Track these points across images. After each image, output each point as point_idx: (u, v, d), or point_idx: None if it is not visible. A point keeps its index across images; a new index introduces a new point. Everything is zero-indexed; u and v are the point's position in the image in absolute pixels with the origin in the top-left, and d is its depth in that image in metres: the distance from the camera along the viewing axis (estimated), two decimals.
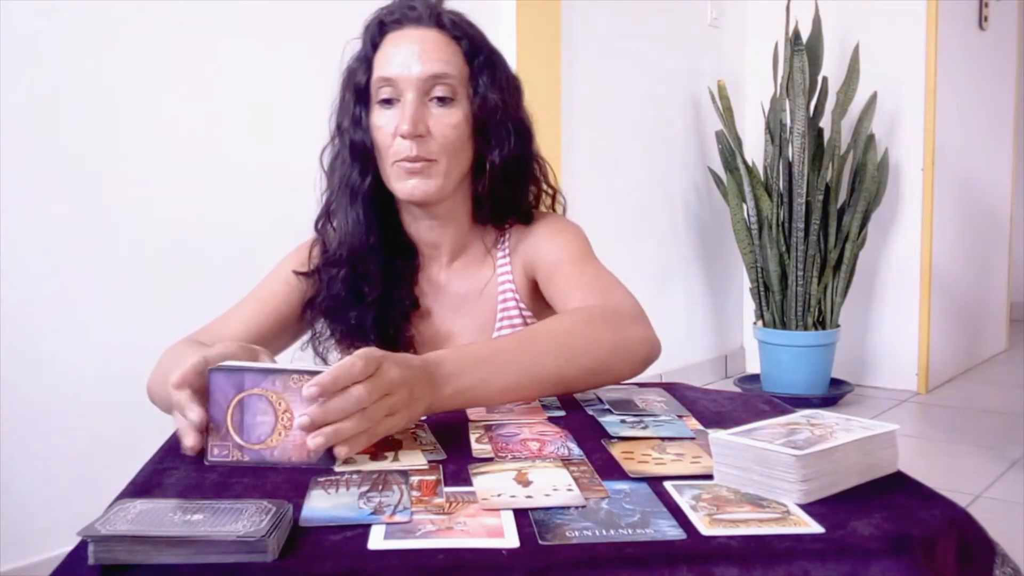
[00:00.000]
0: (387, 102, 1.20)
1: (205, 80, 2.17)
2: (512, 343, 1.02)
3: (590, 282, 1.18)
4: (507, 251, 1.30)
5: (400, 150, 1.18)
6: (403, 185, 1.20)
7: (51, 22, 1.91)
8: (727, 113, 3.55)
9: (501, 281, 1.29)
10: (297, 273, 1.28)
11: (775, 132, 3.47)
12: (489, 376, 0.95)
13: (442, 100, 1.20)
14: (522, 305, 1.28)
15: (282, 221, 2.26)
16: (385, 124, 1.20)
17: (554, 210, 1.36)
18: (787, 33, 3.39)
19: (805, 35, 3.40)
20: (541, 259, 1.26)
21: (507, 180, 1.26)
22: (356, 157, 1.22)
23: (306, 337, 1.33)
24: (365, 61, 1.22)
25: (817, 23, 3.43)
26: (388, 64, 1.20)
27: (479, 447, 0.87)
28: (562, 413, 1.00)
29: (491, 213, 1.29)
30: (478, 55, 1.24)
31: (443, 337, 1.29)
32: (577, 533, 0.66)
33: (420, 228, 1.28)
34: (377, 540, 0.66)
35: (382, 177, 1.23)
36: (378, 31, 1.23)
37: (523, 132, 1.27)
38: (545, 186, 1.33)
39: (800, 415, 0.84)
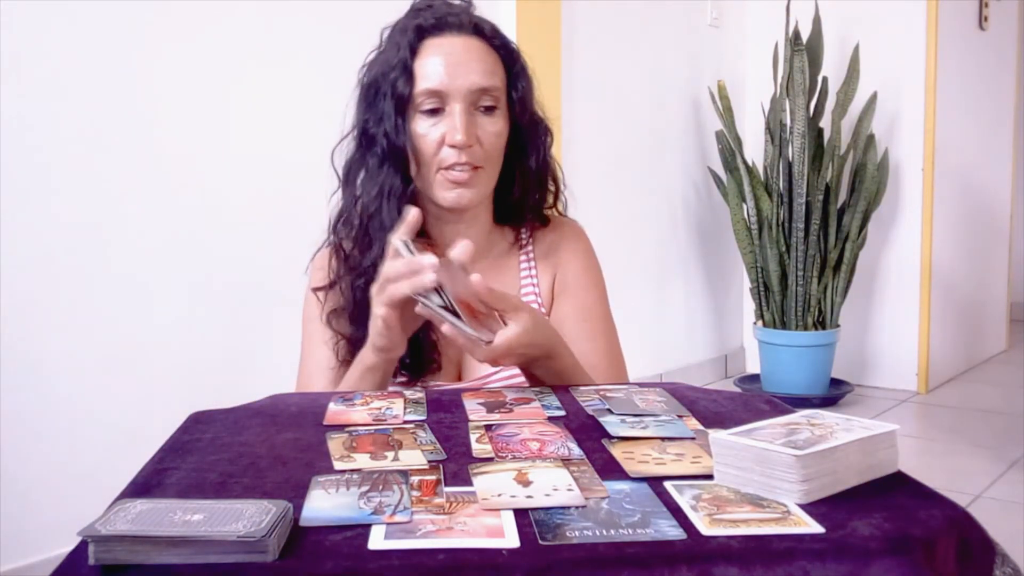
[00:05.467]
0: (431, 112, 1.20)
1: (208, 80, 2.17)
2: (579, 370, 1.18)
3: (603, 345, 1.30)
4: (531, 255, 1.33)
5: (447, 158, 1.20)
6: (450, 193, 1.21)
7: (52, 20, 1.91)
8: (727, 113, 3.55)
9: (524, 283, 1.31)
10: (316, 290, 1.27)
11: (775, 132, 3.47)
12: (558, 374, 1.14)
13: (487, 109, 1.21)
14: (543, 309, 1.30)
15: (285, 223, 2.27)
16: (428, 133, 1.20)
17: (556, 207, 1.37)
18: (787, 33, 3.39)
19: (805, 35, 3.39)
20: (570, 286, 1.32)
21: (538, 183, 1.30)
22: (398, 165, 1.21)
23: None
24: (405, 69, 1.20)
25: (817, 23, 3.42)
26: (434, 75, 1.19)
27: (479, 447, 0.87)
28: (562, 413, 0.99)
29: (515, 215, 1.32)
30: (514, 63, 1.26)
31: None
32: (577, 533, 0.66)
33: (444, 231, 1.28)
34: (377, 540, 0.66)
35: (419, 183, 1.23)
36: (416, 37, 1.21)
37: (549, 135, 1.30)
38: (551, 185, 1.35)
39: (800, 415, 0.84)
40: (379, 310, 1.07)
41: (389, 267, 1.05)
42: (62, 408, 1.95)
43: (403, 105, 1.20)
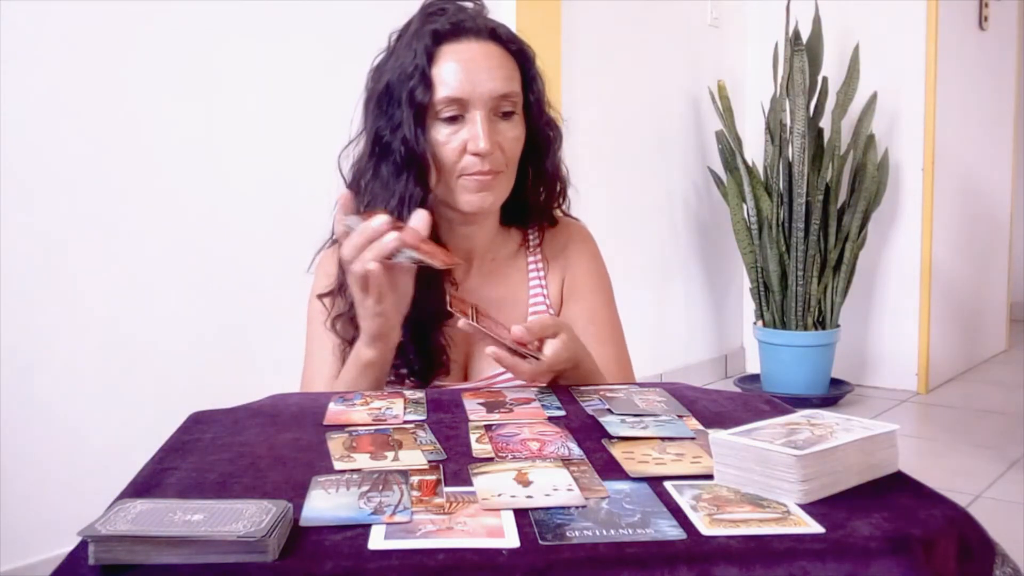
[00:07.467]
0: (451, 119, 1.19)
1: (207, 80, 2.17)
2: (598, 374, 1.19)
3: (612, 348, 1.31)
4: (538, 257, 1.33)
5: (468, 165, 1.19)
6: (472, 199, 1.21)
7: (52, 20, 1.91)
8: (727, 113, 3.55)
9: (532, 284, 1.31)
10: (321, 296, 1.26)
11: (775, 132, 3.47)
12: (582, 379, 1.15)
13: (506, 114, 1.21)
14: (552, 311, 1.30)
15: (286, 223, 2.27)
16: (449, 140, 1.19)
17: (561, 207, 1.37)
18: (787, 33, 3.39)
19: (805, 35, 3.40)
20: (578, 289, 1.32)
21: (551, 185, 1.30)
22: (417, 172, 1.19)
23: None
24: (423, 77, 1.18)
25: (817, 23, 3.43)
26: (454, 82, 1.18)
27: (479, 447, 0.87)
28: (562, 413, 1.00)
29: (524, 216, 1.32)
30: (530, 67, 1.25)
31: (473, 341, 1.26)
32: (577, 533, 0.66)
33: (455, 236, 1.27)
34: (377, 540, 0.66)
35: (438, 191, 1.21)
36: (432, 42, 1.19)
37: (559, 135, 1.30)
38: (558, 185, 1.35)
39: (800, 415, 0.84)
40: (358, 294, 1.09)
41: (345, 248, 1.07)
42: (62, 408, 1.95)
43: (422, 113, 1.18)
